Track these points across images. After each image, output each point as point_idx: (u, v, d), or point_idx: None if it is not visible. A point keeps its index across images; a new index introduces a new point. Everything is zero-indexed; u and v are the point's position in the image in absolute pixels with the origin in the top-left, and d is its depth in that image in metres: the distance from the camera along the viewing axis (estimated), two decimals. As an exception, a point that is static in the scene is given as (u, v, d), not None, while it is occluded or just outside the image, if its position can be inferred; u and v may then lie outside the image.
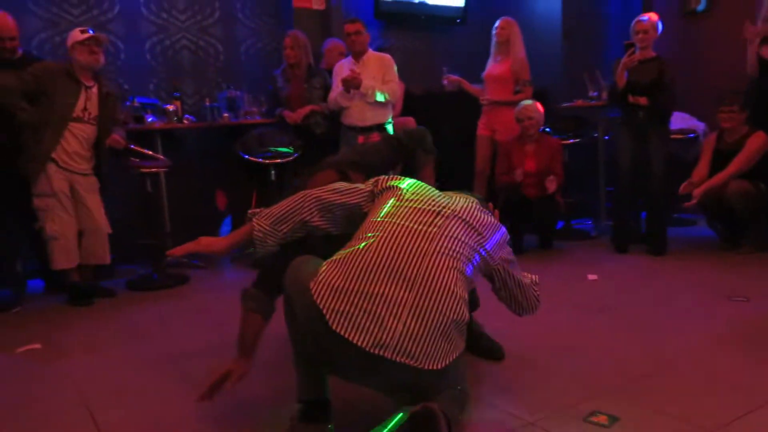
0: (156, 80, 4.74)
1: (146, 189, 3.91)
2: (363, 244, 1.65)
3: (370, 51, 4.28)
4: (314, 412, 1.79)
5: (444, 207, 1.79)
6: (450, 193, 1.91)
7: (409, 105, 4.87)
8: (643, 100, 4.07)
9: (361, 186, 1.91)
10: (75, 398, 2.20)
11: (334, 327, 1.50)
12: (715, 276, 3.54)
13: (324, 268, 1.62)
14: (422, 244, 1.64)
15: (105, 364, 2.55)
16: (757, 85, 4.22)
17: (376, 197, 1.87)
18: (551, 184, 4.12)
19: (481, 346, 2.42)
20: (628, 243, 4.25)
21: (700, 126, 5.16)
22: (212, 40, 4.97)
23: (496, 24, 4.65)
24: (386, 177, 1.92)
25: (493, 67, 4.66)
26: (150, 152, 3.85)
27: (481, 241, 1.80)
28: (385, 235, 1.66)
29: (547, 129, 4.80)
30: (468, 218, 1.79)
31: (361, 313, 1.51)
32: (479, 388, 2.11)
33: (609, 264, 3.94)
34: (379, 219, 1.74)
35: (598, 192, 5.14)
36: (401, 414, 1.52)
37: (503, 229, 1.92)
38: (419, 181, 1.92)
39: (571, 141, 4.86)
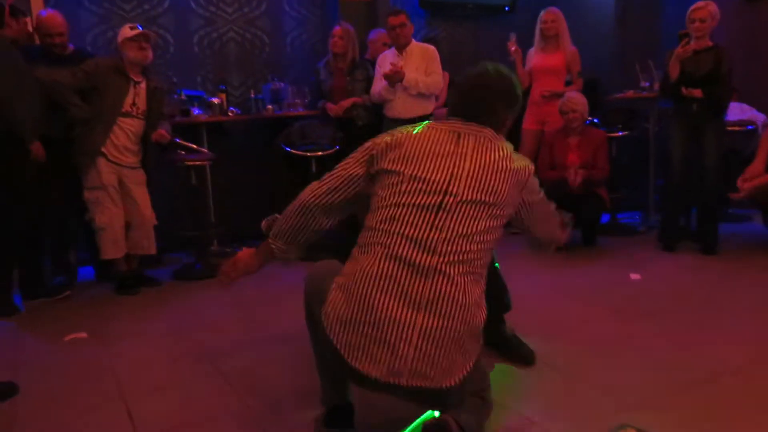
0: (203, 72, 4.81)
1: (191, 181, 3.99)
2: (366, 263, 1.56)
3: (414, 42, 4.22)
4: (338, 417, 1.81)
5: (448, 190, 1.58)
6: (459, 140, 1.67)
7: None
8: (697, 93, 3.87)
9: (355, 170, 1.74)
10: (114, 391, 2.28)
11: (348, 360, 1.50)
12: (764, 278, 3.36)
13: (332, 295, 1.58)
14: (425, 258, 1.52)
15: (146, 357, 2.64)
16: None
17: (374, 179, 1.71)
18: (577, 176, 4.00)
19: (511, 349, 2.38)
20: (677, 241, 4.08)
21: (760, 117, 4.89)
22: (258, 32, 5.01)
23: (542, 16, 4.51)
24: (379, 143, 1.72)
25: (542, 58, 4.52)
26: (194, 146, 3.92)
27: (496, 207, 1.63)
28: (386, 251, 1.55)
29: (596, 120, 4.64)
30: (476, 195, 1.59)
31: (373, 343, 1.49)
32: (506, 394, 2.07)
33: (655, 263, 3.80)
34: (379, 226, 1.61)
35: (647, 186, 4.95)
36: (417, 423, 1.52)
37: (523, 171, 1.70)
38: (420, 132, 1.70)
39: (621, 134, 4.68)
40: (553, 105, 4.38)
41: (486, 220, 1.59)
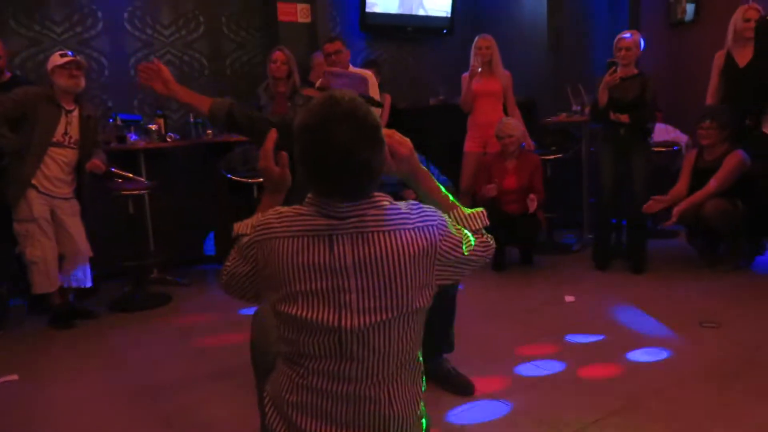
0: (140, 96, 4.75)
1: (128, 210, 3.93)
2: (285, 389, 1.38)
3: (352, 68, 4.29)
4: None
5: (342, 315, 1.29)
6: (333, 246, 1.29)
7: (395, 118, 4.89)
8: (624, 118, 4.09)
9: (249, 268, 1.40)
10: (47, 438, 2.23)
11: None
12: (691, 297, 3.57)
13: (272, 386, 1.44)
14: (343, 387, 1.34)
15: (82, 397, 2.58)
16: None
17: (272, 288, 1.35)
18: (532, 204, 4.15)
19: (450, 381, 2.46)
20: (609, 260, 4.28)
21: (683, 138, 5.18)
22: (197, 54, 4.99)
23: (478, 42, 4.66)
24: (269, 247, 1.32)
25: (482, 83, 4.66)
26: (131, 175, 3.86)
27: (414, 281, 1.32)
28: (302, 381, 1.35)
29: (533, 142, 4.81)
30: (378, 304, 1.30)
31: None
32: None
33: (588, 283, 3.97)
34: (288, 356, 1.38)
35: (581, 205, 5.17)
36: None
37: (428, 230, 1.32)
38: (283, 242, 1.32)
39: (555, 156, 4.88)
40: (493, 128, 4.53)
41: (399, 326, 1.33)
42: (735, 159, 4.01)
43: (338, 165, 1.22)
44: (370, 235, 1.29)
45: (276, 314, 1.36)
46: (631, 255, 4.24)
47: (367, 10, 5.42)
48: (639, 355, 2.74)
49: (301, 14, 5.18)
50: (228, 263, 1.45)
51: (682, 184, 4.21)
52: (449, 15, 5.79)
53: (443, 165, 4.86)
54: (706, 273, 4.02)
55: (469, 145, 4.73)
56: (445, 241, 1.35)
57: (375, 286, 1.29)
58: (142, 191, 3.95)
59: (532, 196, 4.17)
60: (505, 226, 4.26)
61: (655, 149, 4.81)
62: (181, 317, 3.65)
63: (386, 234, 1.29)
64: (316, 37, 5.21)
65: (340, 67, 4.16)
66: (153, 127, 4.23)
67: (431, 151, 5.02)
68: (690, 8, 5.60)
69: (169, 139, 4.34)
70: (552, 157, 4.85)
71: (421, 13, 5.69)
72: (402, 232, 1.30)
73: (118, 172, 3.79)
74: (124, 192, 3.81)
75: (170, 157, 4.55)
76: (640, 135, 4.17)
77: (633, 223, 4.28)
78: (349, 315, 1.29)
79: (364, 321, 1.29)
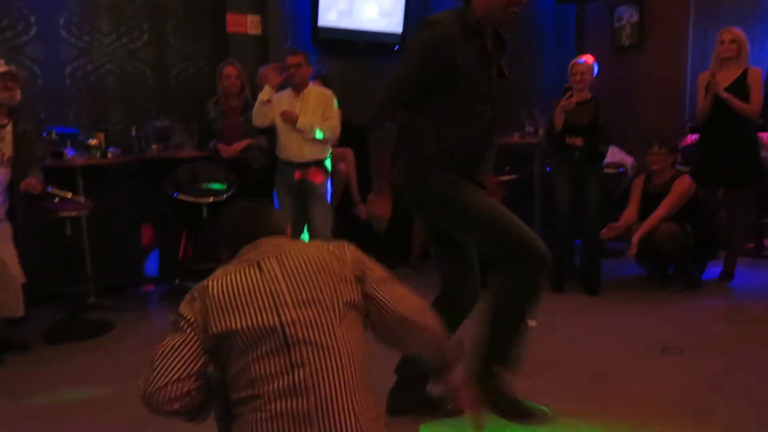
0: (77, 107, 4.43)
1: (65, 232, 3.63)
2: None
3: (311, 84, 4.15)
4: None
5: (283, 322, 1.40)
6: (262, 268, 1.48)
7: (348, 135, 4.77)
8: (579, 141, 4.13)
9: (188, 336, 1.43)
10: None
11: None
12: (649, 321, 3.61)
13: None
14: (301, 402, 1.36)
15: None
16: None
17: (218, 342, 1.42)
18: None
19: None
20: (564, 281, 4.31)
21: (629, 160, 5.31)
22: (140, 64, 4.70)
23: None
24: (192, 314, 1.45)
25: None
26: (69, 194, 3.57)
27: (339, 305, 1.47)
28: (261, 414, 1.36)
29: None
30: (309, 304, 1.43)
31: None
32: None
33: (545, 305, 3.94)
34: (242, 395, 1.40)
35: (534, 226, 5.19)
36: None
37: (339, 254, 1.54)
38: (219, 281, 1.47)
39: (510, 177, 4.89)
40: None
41: (341, 325, 1.44)
42: (683, 184, 4.12)
43: (259, 213, 1.64)
44: (290, 251, 1.52)
45: (222, 348, 1.42)
46: (585, 276, 4.28)
47: (319, 24, 5.28)
48: (608, 387, 2.72)
49: (252, 26, 4.99)
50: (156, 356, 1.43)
51: (632, 208, 4.29)
52: (401, 32, 5.73)
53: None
54: (657, 294, 4.11)
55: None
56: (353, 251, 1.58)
57: (303, 281, 1.45)
58: (82, 212, 3.65)
59: None
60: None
61: (604, 171, 4.90)
62: (124, 347, 3.39)
63: (303, 246, 1.57)
64: (267, 50, 5.03)
65: (299, 81, 4.01)
66: (93, 142, 3.93)
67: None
68: (633, 33, 5.78)
69: (110, 155, 4.05)
70: (506, 178, 4.86)
71: (374, 29, 5.60)
72: (316, 243, 1.60)
73: (56, 191, 3.49)
74: (62, 214, 3.51)
75: (111, 174, 4.25)
76: (594, 158, 4.22)
77: (587, 245, 4.33)
78: (286, 310, 1.40)
79: (302, 313, 1.40)
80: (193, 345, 1.42)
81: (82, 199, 3.67)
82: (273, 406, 1.34)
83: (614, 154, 5.35)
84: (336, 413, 1.35)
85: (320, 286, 1.45)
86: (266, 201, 1.73)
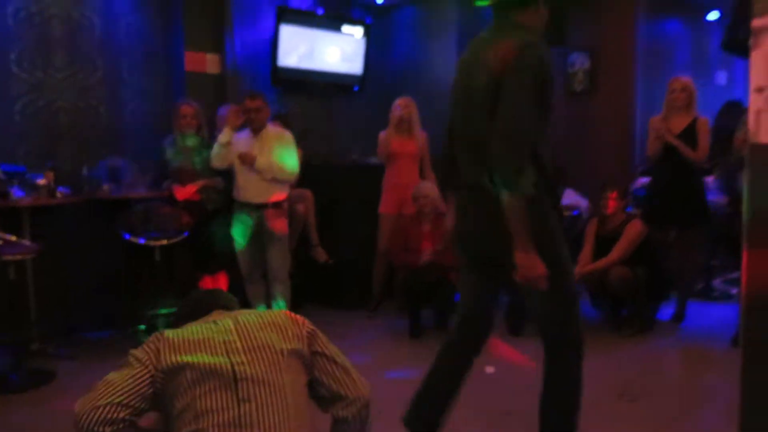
0: (26, 145, 4.28)
1: (9, 277, 3.46)
2: None
3: (270, 126, 4.12)
4: None
5: (232, 361, 1.50)
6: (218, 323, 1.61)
7: (307, 176, 4.74)
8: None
9: (137, 370, 1.48)
10: None
11: None
12: (605, 366, 3.62)
13: None
14: None
15: None
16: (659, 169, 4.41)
17: (168, 377, 1.48)
18: (426, 255, 4.18)
19: None
20: (522, 325, 4.31)
21: (583, 202, 5.42)
22: (93, 101, 4.59)
23: (397, 102, 4.67)
24: (162, 340, 1.54)
25: (400, 143, 4.64)
26: (13, 237, 3.42)
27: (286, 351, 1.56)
28: None
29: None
30: (261, 349, 1.54)
31: None
32: None
33: (500, 349, 3.96)
34: (187, 428, 1.44)
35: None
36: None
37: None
38: (201, 325, 1.62)
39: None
40: (410, 190, 4.51)
41: (284, 367, 1.54)
42: (635, 228, 4.22)
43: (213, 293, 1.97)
44: (245, 313, 1.65)
45: (170, 385, 1.46)
46: (542, 319, 4.30)
47: (279, 64, 5.29)
48: None
49: (211, 65, 4.96)
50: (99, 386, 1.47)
51: (586, 251, 4.36)
52: (361, 73, 5.78)
53: (357, 226, 4.83)
54: (612, 337, 4.15)
55: (385, 207, 4.66)
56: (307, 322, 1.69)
57: (254, 333, 1.55)
58: (27, 256, 3.49)
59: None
60: (420, 291, 4.23)
61: (559, 213, 4.98)
62: (68, 399, 3.21)
63: (258, 312, 1.68)
64: (225, 90, 5.00)
65: (258, 124, 3.98)
66: (41, 181, 3.79)
67: (344, 210, 4.95)
68: (585, 79, 5.96)
69: (59, 195, 3.91)
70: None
71: (334, 70, 5.63)
72: (268, 312, 1.68)
73: (-1, 234, 3.34)
74: (5, 258, 3.35)
75: (60, 214, 4.09)
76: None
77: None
78: (236, 354, 1.50)
79: (251, 356, 1.50)
80: (140, 379, 1.46)
81: (27, 242, 3.51)
82: None
83: (569, 197, 5.45)
84: None
85: (270, 336, 1.56)
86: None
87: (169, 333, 1.56)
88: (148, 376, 1.47)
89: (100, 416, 1.40)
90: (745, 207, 2.01)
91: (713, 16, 6.35)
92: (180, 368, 1.46)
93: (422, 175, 4.69)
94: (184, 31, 4.80)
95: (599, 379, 3.41)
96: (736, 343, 3.67)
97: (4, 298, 3.59)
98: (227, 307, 1.77)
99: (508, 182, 1.91)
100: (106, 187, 4.15)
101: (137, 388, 1.46)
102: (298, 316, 1.69)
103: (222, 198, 4.16)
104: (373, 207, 4.71)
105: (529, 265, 1.95)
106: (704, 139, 4.16)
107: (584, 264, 4.26)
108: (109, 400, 1.41)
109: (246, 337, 1.55)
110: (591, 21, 5.81)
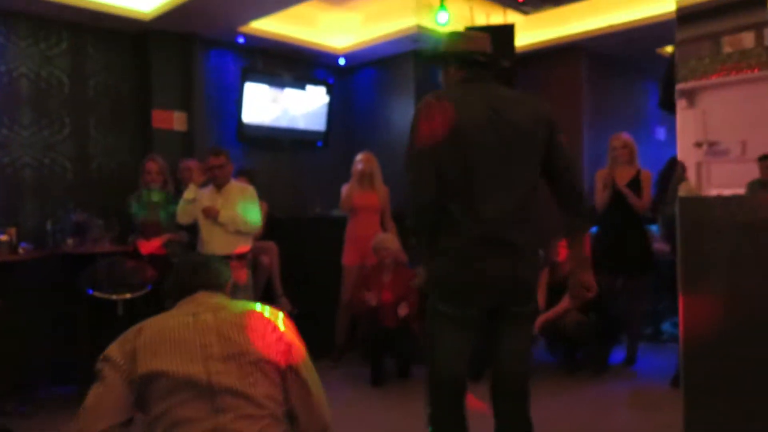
0: (-12, 201, 4.20)
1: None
2: None
3: (233, 181, 4.13)
4: None
5: (209, 371, 1.48)
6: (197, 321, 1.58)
7: (272, 228, 4.73)
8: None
9: (114, 383, 1.49)
10: None
11: None
12: (558, 410, 3.65)
13: None
14: None
15: None
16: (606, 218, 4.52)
17: (144, 382, 1.49)
18: (402, 310, 4.18)
19: None
20: (483, 369, 4.30)
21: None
22: (59, 157, 4.54)
23: (359, 157, 4.73)
24: (117, 354, 1.53)
25: (360, 196, 4.68)
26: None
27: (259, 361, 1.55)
28: None
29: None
30: (234, 362, 1.51)
31: None
32: None
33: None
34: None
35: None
36: None
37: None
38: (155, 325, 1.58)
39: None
40: (371, 241, 4.53)
41: (260, 378, 1.53)
42: (585, 276, 4.31)
43: (201, 267, 1.76)
44: (227, 307, 1.62)
45: (146, 390, 1.47)
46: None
47: (244, 121, 5.34)
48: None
49: (178, 122, 4.98)
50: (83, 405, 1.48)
51: (540, 299, 4.42)
52: (325, 130, 5.87)
53: (321, 277, 4.81)
54: (566, 380, 4.18)
55: (348, 258, 4.66)
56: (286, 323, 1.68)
57: (232, 337, 1.52)
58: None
59: (402, 303, 4.19)
60: (382, 339, 4.21)
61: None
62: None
63: (240, 306, 1.65)
64: (192, 146, 5.01)
65: (222, 180, 3.98)
66: (3, 238, 3.69)
67: (308, 261, 4.93)
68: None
69: (21, 250, 3.81)
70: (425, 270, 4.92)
71: (298, 126, 5.71)
72: (252, 307, 1.66)
73: (-43, 291, 3.22)
74: (-37, 314, 3.23)
75: (22, 270, 3.97)
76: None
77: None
78: (213, 362, 1.48)
79: (228, 366, 1.48)
80: (120, 392, 1.47)
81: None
82: None
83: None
84: None
85: (248, 343, 1.53)
86: (211, 256, 1.97)
87: (146, 329, 1.54)
88: (126, 383, 1.48)
89: None
90: (678, 256, 2.11)
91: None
92: (156, 376, 1.46)
93: (383, 227, 4.72)
94: (153, 90, 4.83)
95: (554, 424, 3.42)
96: (675, 384, 3.73)
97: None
98: (213, 286, 1.72)
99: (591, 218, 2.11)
100: (70, 241, 4.08)
101: (119, 403, 1.47)
102: (276, 323, 1.63)
103: (186, 251, 4.11)
104: (337, 258, 4.71)
105: (593, 284, 2.26)
106: (647, 191, 4.34)
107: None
108: (98, 428, 1.44)
109: (224, 340, 1.52)
110: (540, 80, 6.05)
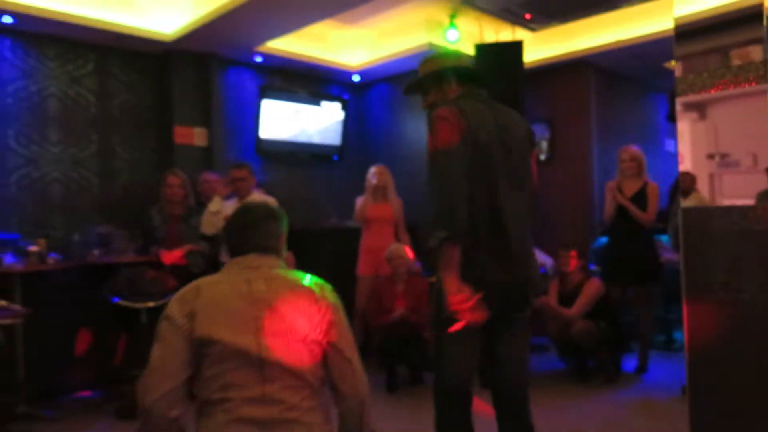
0: (20, 213, 4.32)
1: (-3, 340, 3.42)
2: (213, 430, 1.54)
3: (255, 193, 4.22)
4: None
5: (261, 344, 1.56)
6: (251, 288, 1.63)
7: (289, 240, 4.78)
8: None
9: (175, 342, 1.56)
10: None
11: None
12: (569, 418, 3.64)
13: None
14: (266, 411, 1.54)
15: None
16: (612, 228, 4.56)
17: (199, 344, 1.56)
18: (397, 312, 4.25)
19: None
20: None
21: (548, 260, 5.51)
22: (87, 173, 4.66)
23: (373, 170, 4.79)
24: (177, 313, 1.59)
25: (376, 209, 4.74)
26: (3, 302, 3.40)
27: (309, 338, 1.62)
28: (228, 416, 1.52)
29: (419, 264, 4.90)
30: (286, 337, 1.59)
31: None
32: None
33: (477, 402, 3.94)
34: (214, 396, 1.54)
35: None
36: None
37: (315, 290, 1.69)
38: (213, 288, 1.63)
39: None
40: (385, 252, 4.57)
41: (306, 355, 1.61)
42: (592, 286, 4.32)
43: (254, 226, 1.74)
44: (278, 278, 1.66)
45: (201, 354, 1.55)
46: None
47: (261, 136, 5.43)
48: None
49: (198, 138, 5.08)
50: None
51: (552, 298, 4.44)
52: (340, 144, 5.95)
53: (336, 287, 4.85)
54: (578, 388, 4.17)
55: (362, 269, 4.71)
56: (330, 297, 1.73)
57: (282, 313, 1.59)
58: (15, 321, 3.46)
59: (400, 308, 4.25)
60: (395, 348, 4.23)
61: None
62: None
63: (291, 279, 1.69)
64: (212, 160, 5.10)
65: (244, 192, 4.08)
66: (33, 248, 3.80)
67: (324, 272, 4.97)
68: (545, 148, 6.18)
69: (50, 261, 3.92)
70: (436, 279, 4.94)
71: (314, 141, 5.79)
72: (302, 276, 1.72)
73: (-11, 300, 3.32)
74: (-6, 322, 3.32)
75: (50, 279, 4.07)
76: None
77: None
78: (264, 336, 1.56)
79: (277, 341, 1.57)
80: (181, 351, 1.54)
81: (17, 306, 3.49)
82: (242, 410, 1.51)
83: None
84: (295, 422, 1.53)
85: (296, 322, 1.61)
86: (266, 212, 1.81)
87: (204, 293, 1.59)
88: (185, 341, 1.55)
89: (164, 405, 1.52)
90: (681, 265, 2.12)
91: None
92: (211, 342, 1.54)
93: (397, 239, 4.76)
94: (174, 108, 4.94)
95: (564, 428, 3.42)
96: (686, 392, 3.70)
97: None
98: (264, 248, 1.72)
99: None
100: (95, 252, 4.17)
101: (181, 362, 1.55)
102: (323, 301, 1.67)
103: (206, 262, 4.18)
104: (351, 268, 4.76)
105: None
106: (652, 204, 4.33)
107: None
108: (166, 387, 1.52)
109: (274, 315, 1.59)
110: (549, 95, 6.08)
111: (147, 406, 1.53)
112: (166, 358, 1.55)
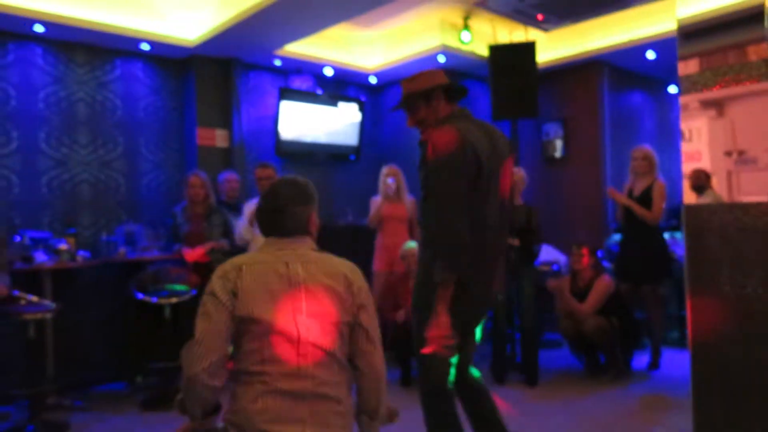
0: (51, 213, 4.43)
1: (28, 334, 3.50)
2: (249, 401, 1.61)
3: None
4: None
5: (298, 321, 1.64)
6: (289, 270, 1.68)
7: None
8: (515, 242, 4.26)
9: (219, 317, 1.61)
10: None
11: None
12: (580, 413, 3.62)
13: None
14: (300, 384, 1.62)
15: None
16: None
17: (240, 321, 1.62)
18: (399, 317, 4.24)
19: None
20: (505, 372, 4.31)
21: (562, 258, 5.47)
22: (114, 173, 4.76)
23: (385, 171, 4.80)
24: (220, 289, 1.64)
25: (389, 208, 4.75)
26: (35, 298, 3.49)
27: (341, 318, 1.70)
28: (264, 387, 1.61)
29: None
30: (320, 319, 1.67)
31: None
32: None
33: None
34: (252, 368, 1.62)
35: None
36: None
37: (350, 275, 1.75)
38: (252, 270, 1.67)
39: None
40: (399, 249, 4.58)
41: (336, 336, 1.69)
42: (603, 284, 4.28)
43: (281, 211, 1.75)
44: (314, 262, 1.72)
45: (241, 330, 1.63)
46: (524, 368, 4.29)
47: (281, 137, 5.48)
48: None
49: (220, 139, 5.15)
50: (193, 341, 1.60)
51: (563, 305, 4.40)
52: (357, 144, 5.97)
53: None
54: (590, 383, 4.14)
55: (378, 265, 4.73)
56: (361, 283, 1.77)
57: (317, 296, 1.67)
58: (46, 314, 3.54)
59: (400, 311, 4.26)
60: (409, 343, 4.23)
61: (540, 268, 5.04)
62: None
63: (325, 263, 1.73)
64: (232, 161, 5.16)
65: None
66: (63, 247, 3.88)
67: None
68: (560, 147, 6.13)
69: (79, 258, 4.00)
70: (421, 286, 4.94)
71: (332, 142, 5.82)
72: (333, 259, 1.77)
73: (21, 295, 3.40)
74: (26, 316, 3.40)
75: (80, 276, 4.17)
76: (528, 258, 4.35)
77: (524, 340, 4.37)
78: (301, 317, 1.64)
79: (312, 322, 1.65)
80: (224, 326, 1.61)
81: (47, 301, 3.57)
82: (279, 383, 1.60)
83: (549, 253, 5.52)
84: (325, 396, 1.63)
85: (329, 305, 1.69)
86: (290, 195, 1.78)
87: (246, 273, 1.64)
88: (228, 317, 1.61)
89: (206, 376, 1.58)
90: (686, 261, 2.09)
91: (673, 89, 6.59)
92: (253, 321, 1.61)
93: (412, 236, 4.77)
94: (197, 110, 5.01)
95: (574, 423, 3.40)
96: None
97: (24, 355, 3.61)
98: (293, 232, 1.74)
99: None
100: (122, 250, 4.25)
101: (224, 336, 1.61)
102: (354, 285, 1.73)
103: (228, 259, 4.22)
104: (367, 264, 4.78)
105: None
106: (657, 202, 4.27)
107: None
108: (209, 359, 1.58)
109: (311, 298, 1.67)
110: (562, 94, 6.03)
111: (191, 375, 1.59)
112: (210, 332, 1.60)
